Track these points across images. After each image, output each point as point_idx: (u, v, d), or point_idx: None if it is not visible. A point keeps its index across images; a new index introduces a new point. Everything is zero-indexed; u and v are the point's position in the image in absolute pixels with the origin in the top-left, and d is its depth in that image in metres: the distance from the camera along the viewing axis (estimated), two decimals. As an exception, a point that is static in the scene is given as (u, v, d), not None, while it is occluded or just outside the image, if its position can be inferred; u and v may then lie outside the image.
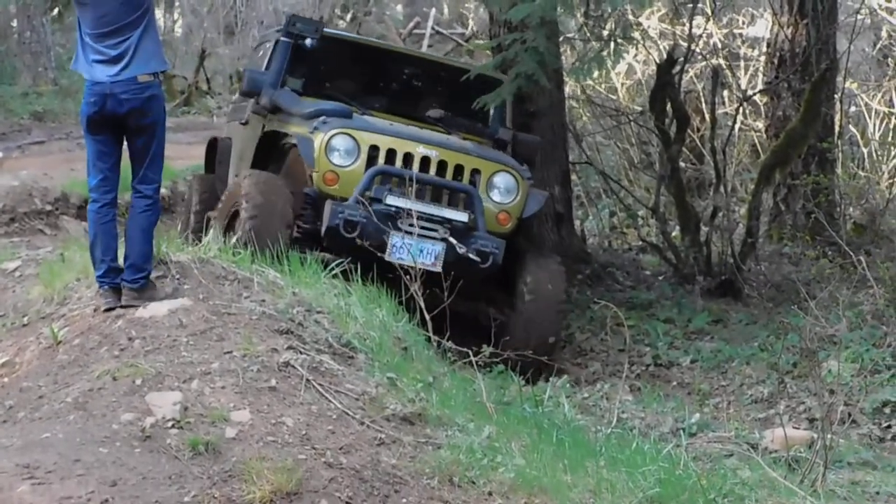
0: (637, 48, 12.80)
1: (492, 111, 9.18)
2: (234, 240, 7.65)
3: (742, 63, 14.18)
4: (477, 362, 5.96)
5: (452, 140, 8.50)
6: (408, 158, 7.99)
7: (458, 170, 8.10)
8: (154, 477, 4.35)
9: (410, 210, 7.61)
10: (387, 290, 6.41)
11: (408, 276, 6.05)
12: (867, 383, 7.40)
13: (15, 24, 21.15)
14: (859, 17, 12.55)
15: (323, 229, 7.82)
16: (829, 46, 11.79)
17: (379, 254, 7.59)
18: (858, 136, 13.29)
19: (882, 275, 8.96)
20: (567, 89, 12.22)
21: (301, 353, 5.32)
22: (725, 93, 14.04)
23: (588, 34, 9.46)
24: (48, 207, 11.47)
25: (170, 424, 4.65)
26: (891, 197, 12.19)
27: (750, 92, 13.21)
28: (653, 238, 12.11)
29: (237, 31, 23.36)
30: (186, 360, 5.12)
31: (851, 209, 12.21)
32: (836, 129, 12.13)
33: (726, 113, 13.51)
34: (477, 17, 23.32)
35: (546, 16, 8.60)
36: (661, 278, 11.19)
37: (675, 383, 8.53)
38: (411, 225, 7.53)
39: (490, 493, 4.67)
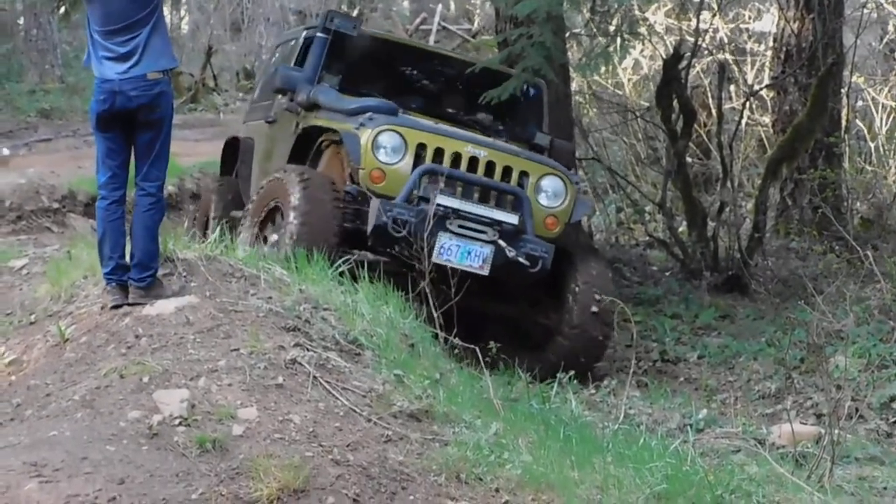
0: (643, 43, 12.78)
1: (528, 116, 9.01)
2: (273, 238, 7.49)
3: (748, 58, 14.18)
4: (484, 359, 5.96)
5: (499, 141, 8.31)
6: (456, 158, 7.75)
7: (507, 171, 7.84)
8: (161, 474, 4.35)
9: (459, 210, 7.46)
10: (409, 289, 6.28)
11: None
12: (874, 378, 7.38)
13: (22, 21, 21.19)
14: (866, 11, 12.53)
15: (369, 227, 7.49)
16: (836, 41, 11.76)
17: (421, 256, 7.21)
18: (865, 131, 13.28)
19: (889, 269, 8.94)
20: (574, 85, 12.21)
21: (308, 350, 5.32)
22: (732, 88, 14.04)
23: (594, 29, 9.43)
24: (55, 205, 11.48)
25: (177, 422, 4.65)
26: (898, 191, 12.20)
27: (756, 87, 13.19)
28: (659, 233, 12.11)
29: (244, 27, 23.42)
30: (193, 358, 5.12)
31: (858, 204, 12.18)
32: (843, 123, 12.10)
33: (733, 108, 13.48)
34: (483, 13, 23.34)
35: (552, 11, 8.57)
36: (667, 274, 11.19)
37: (682, 379, 8.51)
38: (461, 226, 7.41)
39: (497, 490, 4.67)
